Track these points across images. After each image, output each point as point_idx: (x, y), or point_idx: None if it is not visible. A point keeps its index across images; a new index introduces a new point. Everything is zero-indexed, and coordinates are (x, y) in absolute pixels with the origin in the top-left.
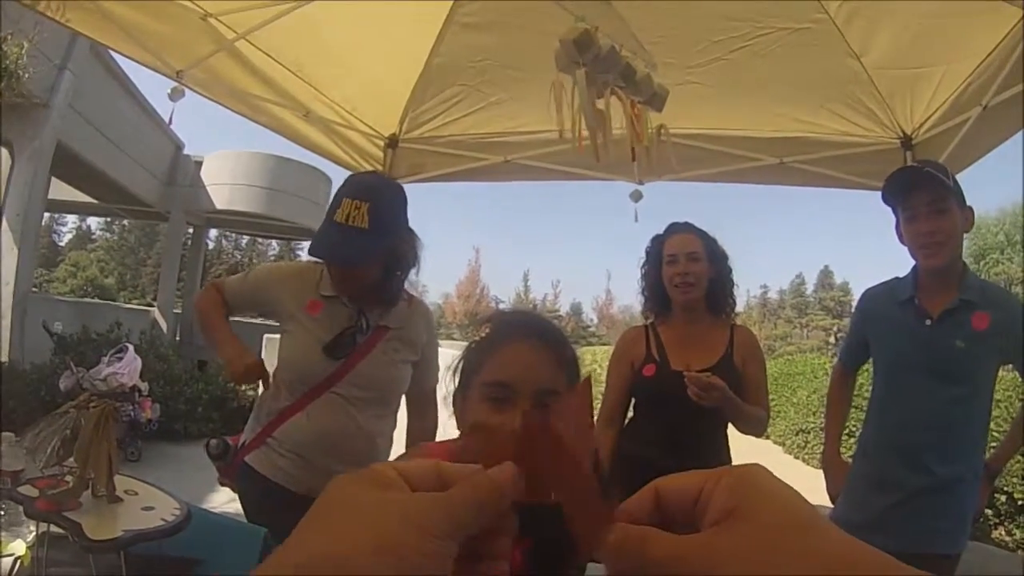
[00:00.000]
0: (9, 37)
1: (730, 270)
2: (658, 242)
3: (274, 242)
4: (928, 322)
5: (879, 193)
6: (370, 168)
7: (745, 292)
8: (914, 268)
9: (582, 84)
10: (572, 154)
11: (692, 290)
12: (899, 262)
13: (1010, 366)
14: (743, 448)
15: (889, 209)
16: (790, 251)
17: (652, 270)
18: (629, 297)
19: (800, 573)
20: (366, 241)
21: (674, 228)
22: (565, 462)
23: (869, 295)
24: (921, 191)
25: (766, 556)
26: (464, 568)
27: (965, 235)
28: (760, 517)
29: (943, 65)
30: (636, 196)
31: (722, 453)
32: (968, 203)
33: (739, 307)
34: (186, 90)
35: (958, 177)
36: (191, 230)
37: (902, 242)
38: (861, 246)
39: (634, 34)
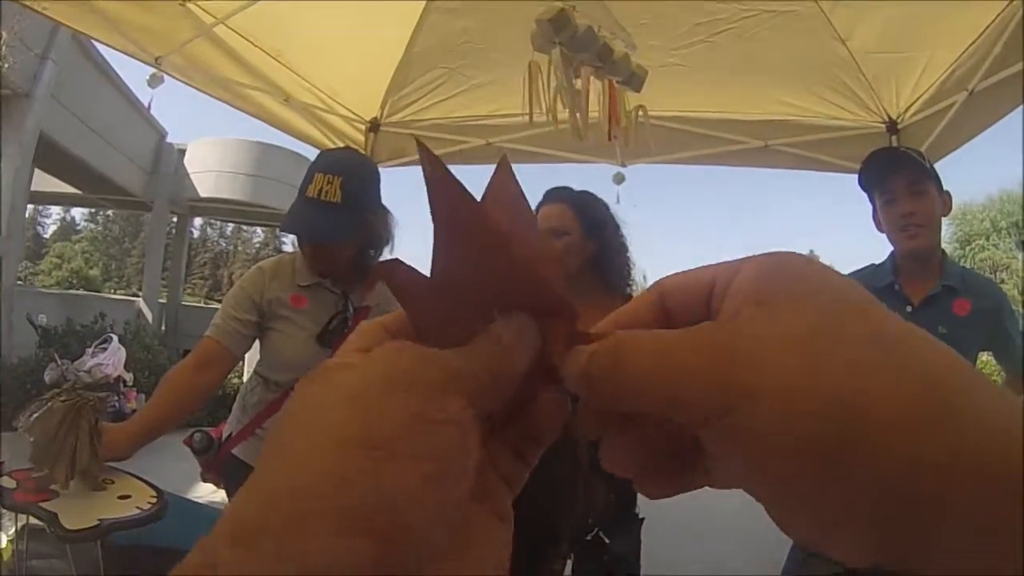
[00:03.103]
0: None
1: (620, 240)
2: (536, 211)
3: (259, 229)
4: (909, 308)
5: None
6: None
7: None
8: (891, 254)
9: (558, 63)
10: (554, 137)
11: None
12: (884, 247)
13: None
14: None
15: (865, 198)
16: (775, 235)
17: None
18: None
19: (864, 354)
20: (339, 216)
21: (544, 198)
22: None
23: None
24: (899, 173)
25: (815, 341)
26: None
27: (946, 221)
28: (800, 300)
29: (928, 50)
30: (619, 179)
31: None
32: (952, 189)
33: None
34: (166, 77)
35: (944, 162)
36: (175, 219)
37: (879, 229)
38: (846, 230)
39: (613, 15)
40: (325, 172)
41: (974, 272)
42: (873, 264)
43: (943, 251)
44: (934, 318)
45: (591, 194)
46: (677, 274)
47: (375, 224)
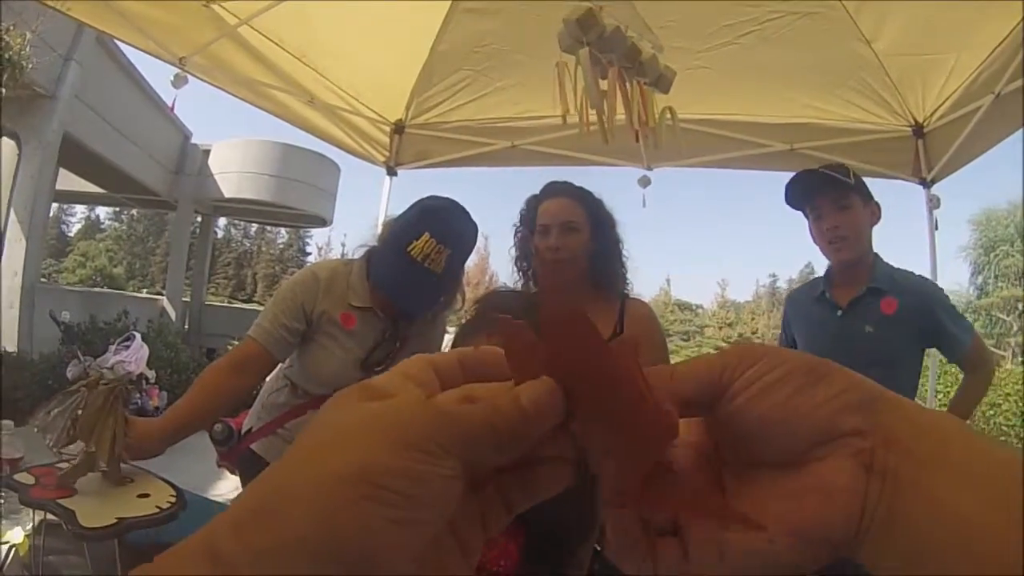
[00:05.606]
0: (12, 28)
1: (619, 239)
2: (532, 205)
3: (283, 230)
4: (839, 312)
5: (883, 181)
6: (378, 154)
7: (755, 281)
8: (829, 266)
9: (585, 63)
10: (579, 139)
11: (564, 267)
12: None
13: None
14: None
15: (890, 202)
16: (799, 239)
17: (525, 238)
18: (637, 284)
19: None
20: (435, 289)
21: (550, 190)
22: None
23: (791, 297)
24: (822, 192)
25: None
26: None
27: (970, 227)
28: (768, 370)
29: (955, 52)
30: (644, 182)
31: None
32: (976, 194)
33: (748, 296)
34: (190, 77)
35: (970, 167)
36: (199, 219)
37: (815, 242)
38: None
39: (641, 16)
40: (437, 240)
41: (906, 272)
42: (817, 277)
43: (876, 255)
44: (861, 318)
45: (591, 191)
46: (682, 368)
47: (456, 287)
